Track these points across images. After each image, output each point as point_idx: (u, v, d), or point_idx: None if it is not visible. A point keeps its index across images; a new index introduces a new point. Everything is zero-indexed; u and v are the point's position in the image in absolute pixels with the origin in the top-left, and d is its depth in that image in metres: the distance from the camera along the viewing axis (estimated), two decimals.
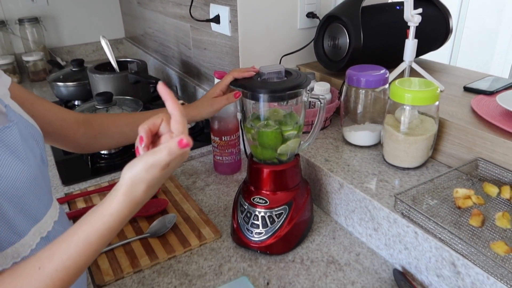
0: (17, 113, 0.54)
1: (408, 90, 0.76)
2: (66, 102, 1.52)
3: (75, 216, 0.88)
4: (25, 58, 1.85)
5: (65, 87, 1.47)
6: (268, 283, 0.70)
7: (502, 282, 0.55)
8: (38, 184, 0.54)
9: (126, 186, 0.46)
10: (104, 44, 1.35)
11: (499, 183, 0.73)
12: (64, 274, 0.45)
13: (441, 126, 0.82)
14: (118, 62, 1.41)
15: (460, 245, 0.61)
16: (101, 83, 1.30)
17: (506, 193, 0.70)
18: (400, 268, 0.72)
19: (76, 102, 1.51)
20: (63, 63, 1.90)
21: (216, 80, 0.97)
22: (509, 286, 0.54)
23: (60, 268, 0.44)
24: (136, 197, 0.47)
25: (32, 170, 0.52)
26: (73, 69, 1.54)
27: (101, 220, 0.46)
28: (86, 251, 0.46)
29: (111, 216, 0.46)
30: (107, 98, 1.11)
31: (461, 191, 0.70)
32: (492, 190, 0.71)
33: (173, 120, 0.47)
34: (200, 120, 0.91)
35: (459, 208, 0.68)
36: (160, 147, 0.44)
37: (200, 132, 1.28)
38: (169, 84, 1.70)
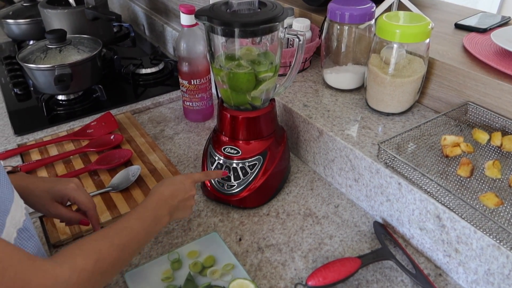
0: None
1: (398, 25, 0.67)
2: (19, 43, 1.37)
3: (29, 170, 0.79)
4: None
5: (17, 25, 1.32)
6: (240, 239, 0.65)
7: (491, 236, 0.51)
8: None
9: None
10: None
11: (489, 129, 0.68)
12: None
13: (430, 67, 0.75)
14: None
15: (446, 197, 0.56)
16: (55, 20, 1.15)
17: (497, 140, 0.65)
18: (380, 221, 0.68)
19: (31, 42, 1.35)
20: None
21: (182, 15, 0.85)
22: (498, 240, 0.50)
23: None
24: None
25: None
26: (25, 4, 1.37)
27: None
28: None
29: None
30: (59, 36, 0.98)
31: (449, 139, 0.64)
32: (482, 137, 0.66)
33: None
34: None
35: (446, 156, 0.63)
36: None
37: (169, 76, 1.17)
38: (135, 23, 1.55)
